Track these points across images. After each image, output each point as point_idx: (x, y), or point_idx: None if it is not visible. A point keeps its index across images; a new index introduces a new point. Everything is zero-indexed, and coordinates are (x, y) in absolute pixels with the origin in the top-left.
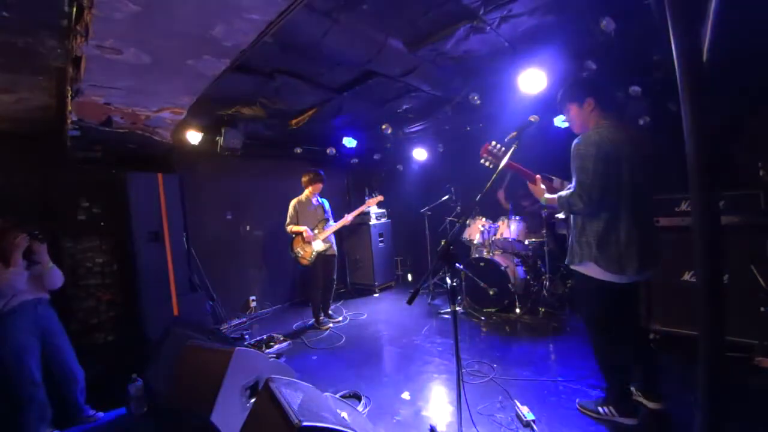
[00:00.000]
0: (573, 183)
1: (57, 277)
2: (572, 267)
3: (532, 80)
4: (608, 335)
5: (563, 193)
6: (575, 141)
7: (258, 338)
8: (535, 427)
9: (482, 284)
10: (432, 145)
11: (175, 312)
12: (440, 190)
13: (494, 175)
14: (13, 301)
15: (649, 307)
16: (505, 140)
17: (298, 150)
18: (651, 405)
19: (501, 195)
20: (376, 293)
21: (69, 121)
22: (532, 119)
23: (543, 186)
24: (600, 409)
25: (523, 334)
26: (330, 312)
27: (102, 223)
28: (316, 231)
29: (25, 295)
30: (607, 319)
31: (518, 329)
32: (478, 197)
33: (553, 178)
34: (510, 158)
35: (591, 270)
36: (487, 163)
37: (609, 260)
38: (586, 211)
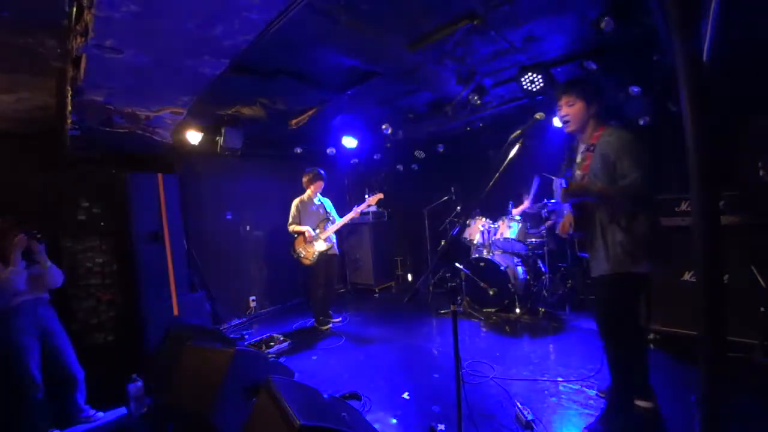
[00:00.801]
0: (633, 174)
1: (56, 276)
2: (621, 272)
3: (533, 80)
4: (634, 336)
5: (624, 183)
6: (617, 135)
7: (258, 338)
8: (535, 427)
9: (482, 284)
10: (432, 145)
11: (175, 312)
12: (440, 190)
13: (497, 175)
14: (12, 301)
15: (649, 307)
16: (509, 138)
17: (298, 150)
18: (645, 404)
19: (527, 200)
20: (375, 293)
21: (69, 121)
22: (538, 116)
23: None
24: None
25: (523, 334)
26: (330, 312)
27: (102, 223)
28: (317, 231)
29: (25, 295)
30: (637, 317)
31: (518, 329)
32: (480, 197)
33: (554, 178)
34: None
35: (642, 267)
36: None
37: (657, 252)
38: (648, 200)
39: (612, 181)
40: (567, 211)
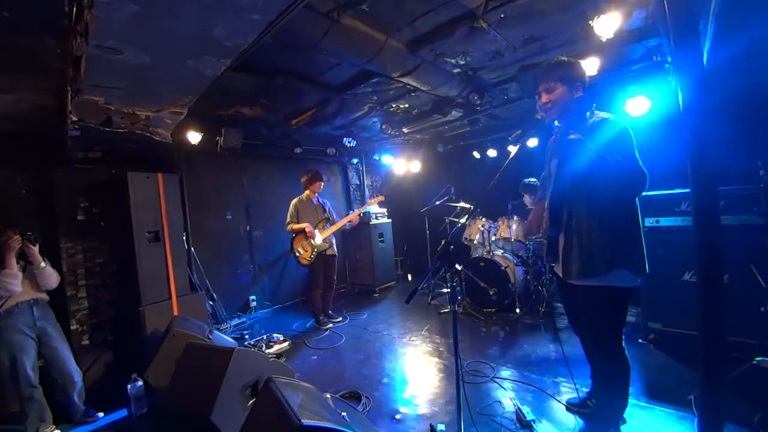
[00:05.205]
0: (623, 162)
1: (50, 277)
2: (592, 283)
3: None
4: (618, 358)
5: (613, 171)
6: (606, 121)
7: (258, 338)
8: (535, 427)
9: (482, 284)
10: (432, 145)
11: (175, 312)
12: (440, 190)
13: (498, 175)
14: (8, 302)
15: (650, 307)
16: (510, 138)
17: (298, 150)
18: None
19: (527, 199)
20: (376, 293)
21: (69, 121)
22: (539, 116)
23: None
24: None
25: (523, 334)
26: (330, 312)
27: (102, 223)
28: (316, 230)
29: (22, 296)
30: (620, 339)
31: (518, 329)
32: (481, 197)
33: None
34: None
35: (623, 280)
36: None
37: (639, 261)
38: (633, 195)
39: (595, 169)
40: (536, 205)
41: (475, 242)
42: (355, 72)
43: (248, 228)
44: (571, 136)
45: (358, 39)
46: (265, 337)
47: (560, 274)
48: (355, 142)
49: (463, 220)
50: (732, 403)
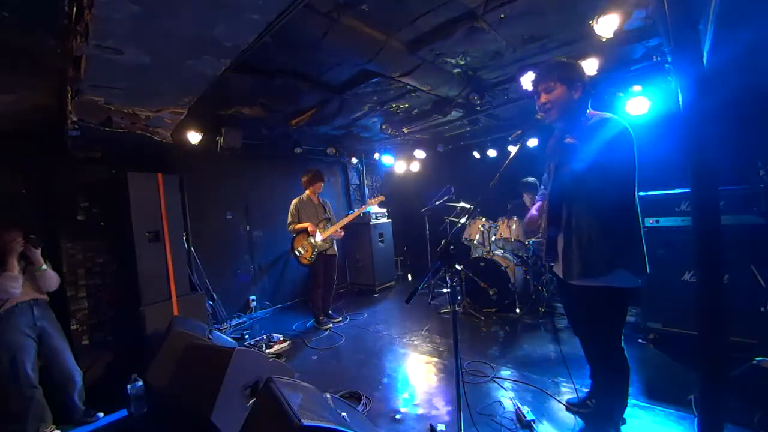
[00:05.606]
0: (620, 166)
1: (50, 279)
2: (593, 284)
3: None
4: (618, 359)
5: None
6: (605, 122)
7: (258, 338)
8: (535, 427)
9: (482, 284)
10: (432, 145)
11: (175, 312)
12: (440, 190)
13: (498, 175)
14: (8, 302)
15: (650, 307)
16: (510, 139)
17: (298, 150)
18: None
19: (527, 198)
20: (376, 293)
21: (69, 121)
22: (539, 117)
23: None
24: None
25: (523, 334)
26: (330, 312)
27: (102, 223)
28: (317, 230)
29: (22, 296)
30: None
31: (518, 329)
32: (481, 197)
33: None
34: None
35: (623, 280)
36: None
37: (640, 261)
38: (633, 197)
39: (593, 169)
40: (538, 203)
41: (475, 242)
42: (355, 72)
43: (248, 228)
44: (567, 140)
45: (358, 39)
46: (265, 337)
47: (560, 275)
48: (356, 142)
49: (463, 220)
50: (732, 403)
